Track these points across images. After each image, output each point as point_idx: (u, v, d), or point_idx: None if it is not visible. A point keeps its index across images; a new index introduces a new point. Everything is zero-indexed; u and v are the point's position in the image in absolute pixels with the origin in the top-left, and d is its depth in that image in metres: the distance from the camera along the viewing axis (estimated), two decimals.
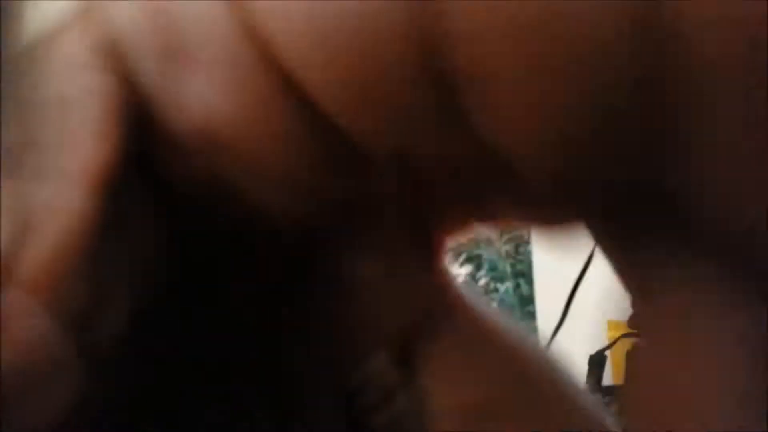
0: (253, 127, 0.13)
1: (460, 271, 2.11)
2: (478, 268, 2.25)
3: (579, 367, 0.94)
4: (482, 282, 2.21)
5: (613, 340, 1.10)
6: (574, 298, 1.01)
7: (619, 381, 0.92)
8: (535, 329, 1.31)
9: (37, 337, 0.12)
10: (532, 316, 1.84)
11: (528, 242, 2.10)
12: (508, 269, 2.22)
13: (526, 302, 2.09)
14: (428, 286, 0.16)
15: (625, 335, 1.09)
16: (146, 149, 0.13)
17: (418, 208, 0.16)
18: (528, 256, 2.12)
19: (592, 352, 1.06)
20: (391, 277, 0.16)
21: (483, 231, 0.16)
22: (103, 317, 0.13)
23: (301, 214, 0.14)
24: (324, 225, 0.15)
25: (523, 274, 2.17)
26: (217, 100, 0.12)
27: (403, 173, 0.14)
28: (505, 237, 2.14)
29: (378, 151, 0.13)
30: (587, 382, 0.95)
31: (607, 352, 1.12)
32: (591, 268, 0.96)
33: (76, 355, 0.12)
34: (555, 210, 0.14)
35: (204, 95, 0.12)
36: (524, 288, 2.15)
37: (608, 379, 0.98)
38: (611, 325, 1.29)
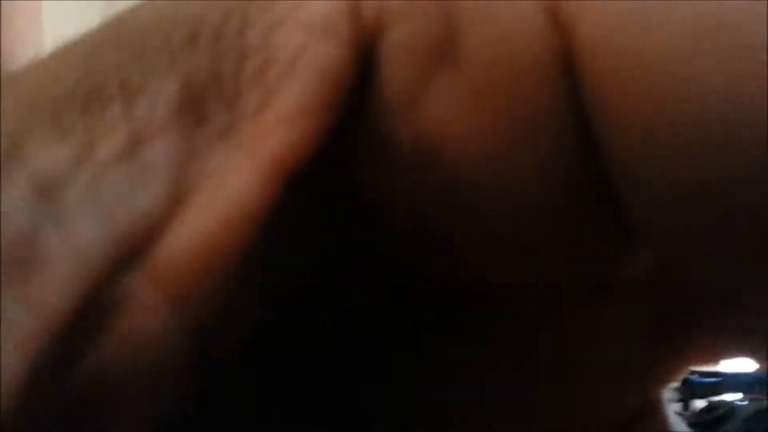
0: (508, 167, 0.10)
1: None
2: None
3: None
4: None
5: None
6: None
7: None
8: None
9: (153, 335, 0.10)
10: None
11: None
12: None
13: None
14: (636, 400, 0.13)
15: None
16: (348, 149, 0.11)
17: (668, 310, 0.12)
18: None
19: None
20: (598, 369, 0.13)
21: None
22: (224, 329, 0.11)
23: (521, 279, 0.12)
24: (543, 293, 0.12)
25: None
26: (469, 120, 0.10)
27: (665, 265, 0.11)
28: None
29: (651, 235, 0.10)
30: None
31: None
32: None
33: (187, 365, 0.10)
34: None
35: (452, 107, 0.10)
36: None
37: None
38: None
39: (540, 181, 0.10)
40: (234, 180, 0.10)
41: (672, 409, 0.15)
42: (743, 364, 1.06)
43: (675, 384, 1.04)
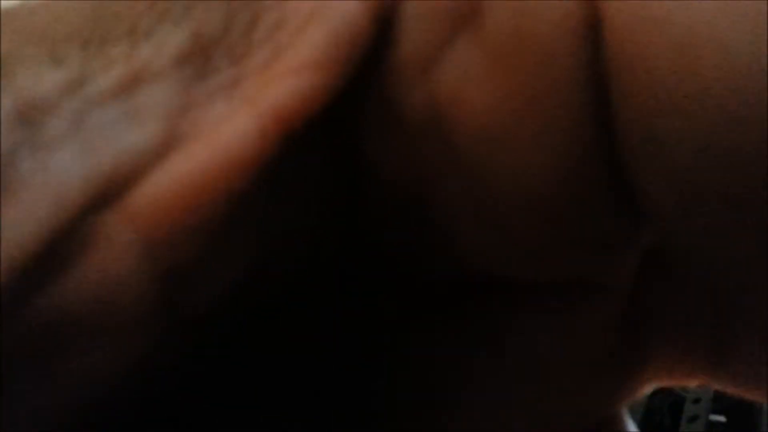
0: (522, 144, 0.10)
1: None
2: None
3: None
4: None
5: None
6: None
7: None
8: None
9: (123, 277, 0.10)
10: None
11: None
12: None
13: None
14: (597, 413, 0.13)
15: None
16: (358, 113, 0.10)
17: (638, 325, 0.13)
18: None
19: None
20: (565, 374, 0.13)
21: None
22: (198, 284, 0.11)
23: (526, 273, 0.11)
24: (530, 289, 0.12)
25: None
26: (486, 87, 0.10)
27: (655, 272, 0.12)
28: None
29: (660, 219, 0.10)
30: None
31: None
32: None
33: (156, 314, 0.10)
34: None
35: (470, 74, 0.10)
36: None
37: None
38: None
39: (554, 162, 0.10)
40: (230, 127, 0.10)
41: None
42: None
43: None
